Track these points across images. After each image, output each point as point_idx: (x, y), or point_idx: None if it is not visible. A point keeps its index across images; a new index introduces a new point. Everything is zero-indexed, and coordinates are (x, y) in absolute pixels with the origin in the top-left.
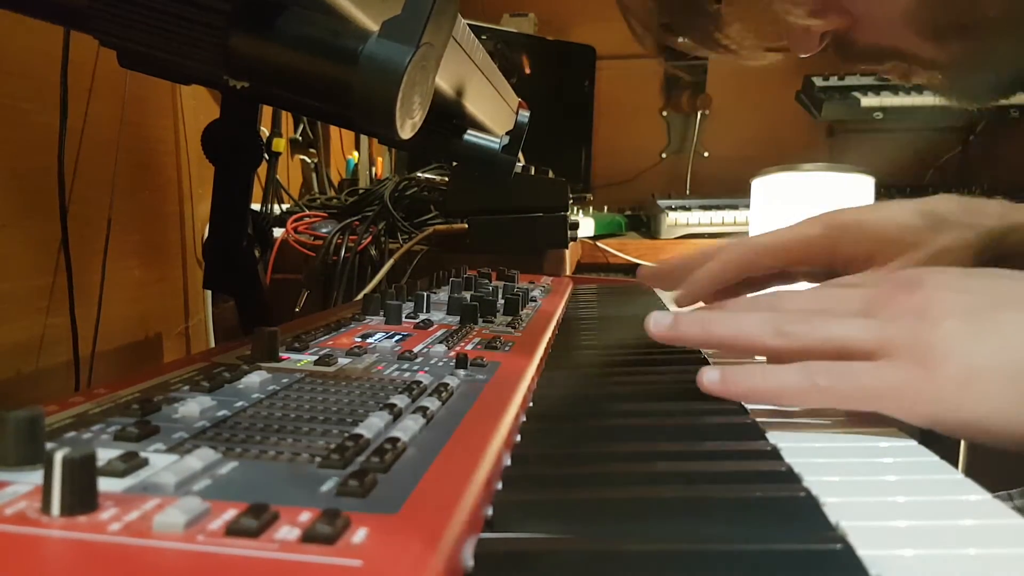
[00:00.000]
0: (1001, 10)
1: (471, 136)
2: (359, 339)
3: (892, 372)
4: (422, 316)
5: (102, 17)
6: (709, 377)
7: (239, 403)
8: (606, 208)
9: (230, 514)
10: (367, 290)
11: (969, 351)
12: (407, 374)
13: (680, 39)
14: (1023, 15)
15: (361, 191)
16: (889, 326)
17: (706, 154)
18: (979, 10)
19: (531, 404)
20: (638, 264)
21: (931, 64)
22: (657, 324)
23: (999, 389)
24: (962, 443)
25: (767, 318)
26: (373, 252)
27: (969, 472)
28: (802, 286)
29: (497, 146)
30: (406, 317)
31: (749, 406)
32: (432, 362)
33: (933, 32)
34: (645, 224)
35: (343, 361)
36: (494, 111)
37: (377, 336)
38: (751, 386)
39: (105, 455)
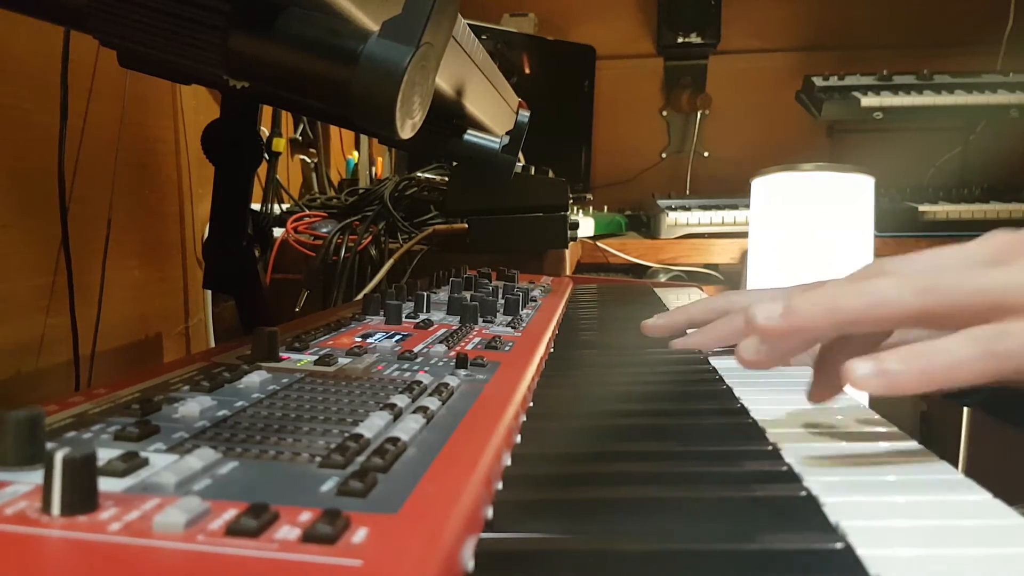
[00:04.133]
0: None
1: (471, 136)
2: (359, 339)
3: None
4: (422, 316)
5: (102, 17)
6: (862, 372)
7: (239, 403)
8: (606, 208)
9: (230, 514)
10: (367, 290)
11: None
12: (407, 374)
13: None
14: None
15: (361, 191)
16: None
17: (706, 154)
18: None
19: (531, 404)
20: (638, 264)
21: None
22: (767, 315)
23: None
24: (962, 443)
25: (898, 278)
26: (373, 252)
27: (969, 472)
28: None
29: (497, 146)
30: (406, 317)
31: (751, 406)
32: (432, 362)
33: None
34: (645, 224)
35: (343, 361)
36: (494, 111)
37: (377, 336)
38: (921, 369)
39: (105, 455)
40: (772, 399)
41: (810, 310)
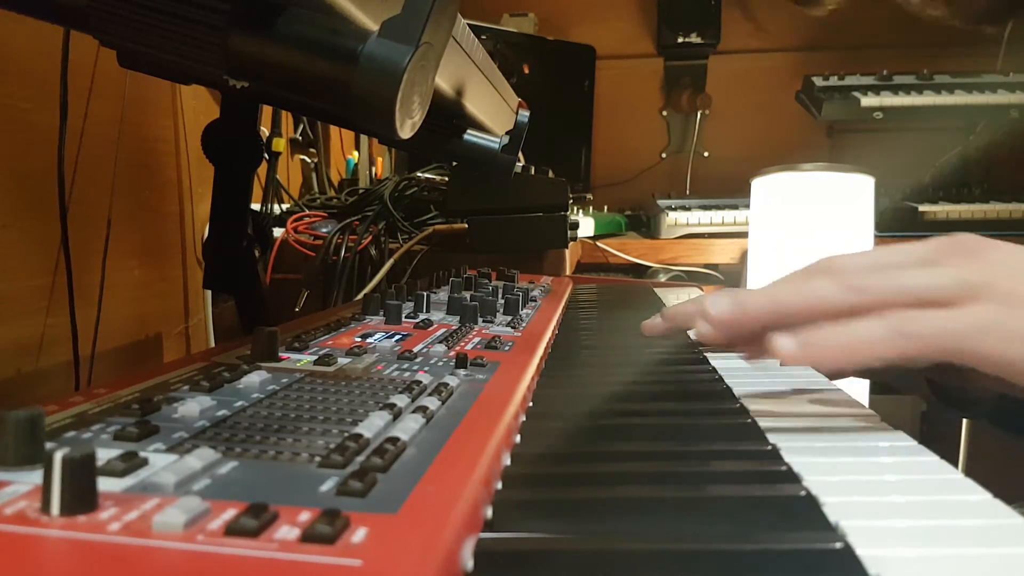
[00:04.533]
0: None
1: (471, 136)
2: (359, 339)
3: (978, 314)
4: (422, 316)
5: (102, 17)
6: (783, 344)
7: (239, 403)
8: (606, 208)
9: (230, 514)
10: (367, 290)
11: None
12: (407, 374)
13: None
14: None
15: (361, 191)
16: (965, 272)
17: (706, 154)
18: None
19: (531, 404)
20: (638, 264)
21: None
22: (718, 308)
23: None
24: (962, 443)
25: (835, 277)
26: (373, 252)
27: (969, 472)
28: None
29: (497, 146)
30: (406, 317)
31: (751, 407)
32: (432, 362)
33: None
34: (645, 224)
35: (343, 361)
36: (494, 111)
37: (377, 336)
38: (839, 343)
39: (105, 455)
40: (772, 399)
41: (754, 302)
